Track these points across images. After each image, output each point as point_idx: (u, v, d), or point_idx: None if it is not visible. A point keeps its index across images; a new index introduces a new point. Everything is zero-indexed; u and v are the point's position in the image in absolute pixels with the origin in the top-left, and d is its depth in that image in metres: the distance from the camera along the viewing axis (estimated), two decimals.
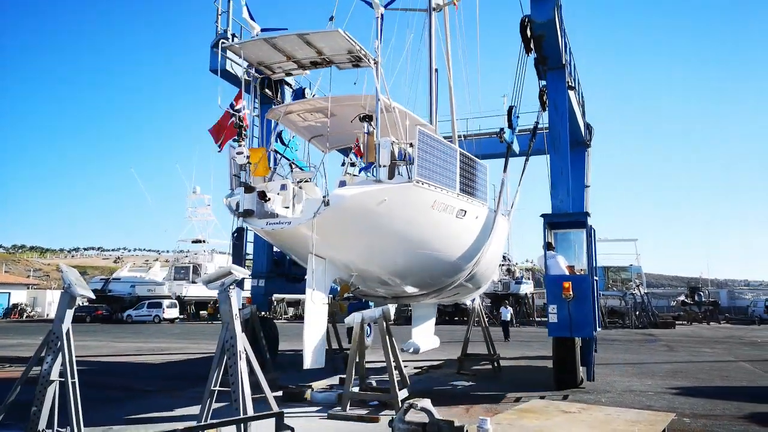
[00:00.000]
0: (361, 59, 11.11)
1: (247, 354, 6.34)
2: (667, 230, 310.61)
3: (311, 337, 9.45)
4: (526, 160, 14.73)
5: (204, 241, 54.30)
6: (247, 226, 10.86)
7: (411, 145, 10.52)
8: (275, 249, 16.11)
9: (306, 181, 11.46)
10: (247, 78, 11.90)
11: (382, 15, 11.54)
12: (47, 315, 53.36)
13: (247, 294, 16.11)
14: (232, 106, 10.55)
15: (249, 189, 10.12)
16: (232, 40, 14.26)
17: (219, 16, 14.55)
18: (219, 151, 10.76)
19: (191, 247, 56.48)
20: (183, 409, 9.78)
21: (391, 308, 10.20)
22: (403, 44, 15.12)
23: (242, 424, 5.23)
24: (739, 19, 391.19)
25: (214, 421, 4.31)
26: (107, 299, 49.06)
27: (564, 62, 13.45)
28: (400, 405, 7.90)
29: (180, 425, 3.73)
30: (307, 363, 9.24)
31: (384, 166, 10.10)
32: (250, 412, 5.65)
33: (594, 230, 13.30)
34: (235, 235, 13.43)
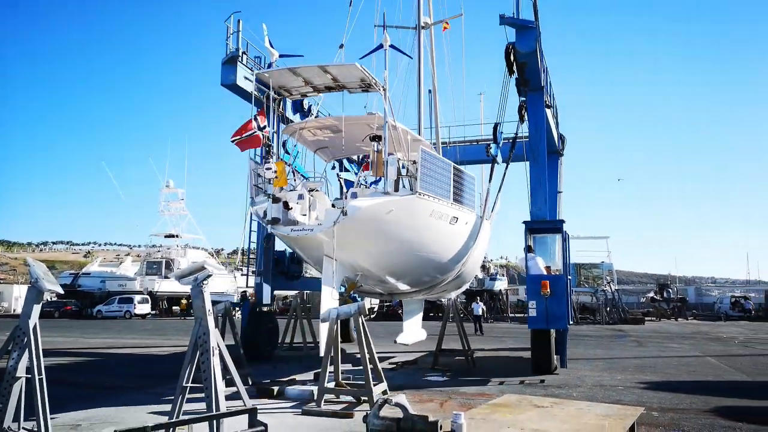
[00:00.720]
0: (371, 86, 12.82)
1: (220, 350, 6.27)
2: (638, 229, 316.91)
3: (324, 334, 10.40)
4: (506, 168, 15.62)
5: (177, 236, 53.59)
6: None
7: (414, 162, 11.97)
8: (277, 249, 17.56)
9: (315, 190, 12.81)
10: (257, 94, 13.49)
11: (390, 46, 12.96)
12: (14, 310, 52.05)
13: (251, 290, 17.48)
14: (256, 119, 12.52)
15: (276, 200, 11.63)
16: (242, 58, 15.91)
17: (231, 36, 15.97)
18: (241, 151, 12.73)
19: (164, 242, 55.69)
20: (155, 405, 9.64)
21: (367, 303, 10.20)
22: (395, 59, 16.58)
23: (215, 421, 5.18)
24: (695, 18, 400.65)
25: (186, 417, 4.25)
26: (77, 294, 48.07)
27: (542, 84, 14.99)
28: (375, 400, 7.92)
29: (151, 422, 3.66)
30: (323, 351, 10.23)
31: (391, 180, 11.40)
32: (223, 409, 5.60)
33: (568, 235, 15.06)
34: (265, 240, 14.54)
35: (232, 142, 12.63)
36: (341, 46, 16.11)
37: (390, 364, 14.81)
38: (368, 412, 3.69)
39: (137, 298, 44.96)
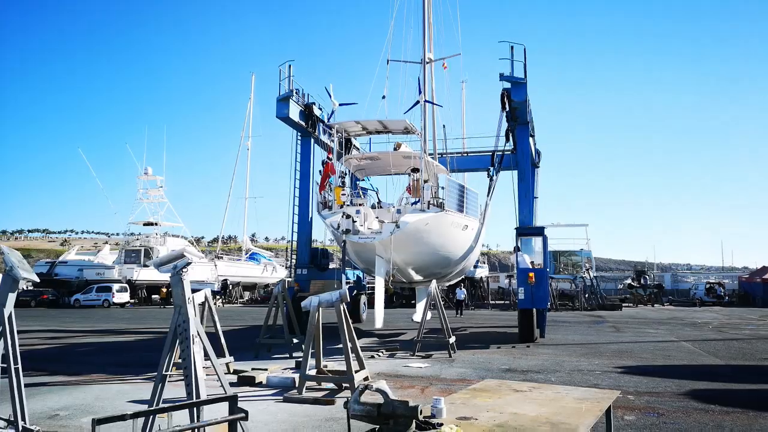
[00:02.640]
0: (410, 131, 18.65)
1: (200, 338, 6.23)
2: (617, 217, 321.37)
3: (380, 307, 15.28)
4: (495, 181, 20.27)
5: (156, 224, 52.98)
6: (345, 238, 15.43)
7: (443, 188, 17.09)
8: (312, 246, 22.10)
9: (361, 204, 17.08)
10: (306, 127, 20.46)
11: (426, 101, 19.77)
12: None
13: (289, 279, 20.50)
14: (330, 160, 17.69)
15: (348, 216, 15.46)
16: (293, 93, 19.73)
17: (286, 79, 19.89)
18: (320, 192, 17.54)
19: (143, 230, 55.13)
20: (134, 394, 9.58)
21: (347, 292, 10.25)
22: (409, 90, 23.60)
23: (194, 409, 5.15)
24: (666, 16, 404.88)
25: (165, 405, 4.22)
26: (53, 283, 47.34)
27: (528, 120, 19.62)
28: (356, 387, 7.96)
29: (130, 410, 3.63)
30: (378, 323, 15.20)
31: (426, 201, 16.50)
32: (204, 397, 5.57)
33: (546, 237, 19.36)
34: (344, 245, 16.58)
35: (321, 185, 17.59)
36: (383, 97, 21.99)
37: (370, 351, 14.88)
38: (349, 398, 3.70)
39: (116, 286, 44.39)
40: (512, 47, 18.08)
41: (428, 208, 16.28)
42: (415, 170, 17.82)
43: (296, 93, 20.06)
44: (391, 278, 16.75)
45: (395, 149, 19.71)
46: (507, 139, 20.09)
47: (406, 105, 21.50)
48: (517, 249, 18.37)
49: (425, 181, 17.29)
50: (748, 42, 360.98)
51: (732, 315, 32.27)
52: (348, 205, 16.53)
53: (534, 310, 17.39)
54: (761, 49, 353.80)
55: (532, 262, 17.98)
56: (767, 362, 13.68)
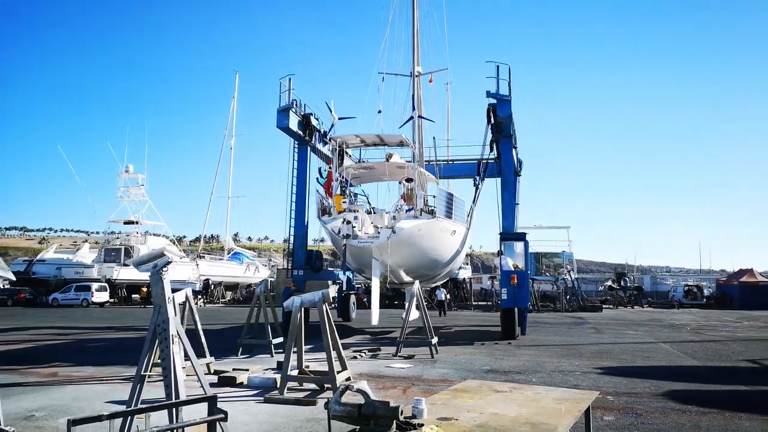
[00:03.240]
0: (405, 144, 20.70)
1: (180, 338, 6.16)
2: (598, 219, 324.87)
3: (375, 306, 16.43)
4: (480, 189, 22.63)
5: (137, 223, 52.33)
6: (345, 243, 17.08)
7: (433, 196, 19.48)
8: (308, 248, 23.18)
9: (356, 211, 18.07)
10: (303, 137, 21.95)
11: (419, 117, 22.19)
12: None
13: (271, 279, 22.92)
14: (330, 172, 19.99)
15: (347, 222, 17.06)
16: (292, 105, 20.99)
17: (287, 91, 21.19)
18: (330, 199, 19.13)
19: (123, 229, 54.40)
20: (112, 395, 9.45)
21: (331, 291, 10.21)
22: (399, 99, 25.07)
23: (173, 409, 5.10)
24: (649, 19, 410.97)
25: (143, 406, 4.17)
26: (31, 282, 46.56)
27: (512, 132, 21.22)
28: (338, 388, 7.93)
29: (107, 411, 3.58)
30: (374, 321, 16.07)
31: (419, 209, 18.21)
32: (183, 398, 5.51)
33: (527, 242, 20.89)
34: (344, 248, 17.89)
35: (326, 193, 19.34)
36: (379, 112, 24.50)
37: (354, 352, 14.86)
38: (330, 398, 3.69)
39: (95, 285, 43.74)
40: (498, 66, 19.65)
41: (421, 214, 17.99)
42: (409, 180, 19.59)
43: (295, 104, 21.27)
44: (387, 279, 18.28)
45: (387, 159, 21.10)
46: (491, 149, 21.90)
47: (397, 115, 24.27)
48: (500, 252, 19.88)
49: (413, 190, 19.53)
50: (729, 44, 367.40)
51: (709, 317, 32.78)
52: (347, 212, 17.91)
53: (515, 309, 18.76)
54: (741, 52, 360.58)
55: (515, 265, 19.21)
56: (743, 364, 13.92)
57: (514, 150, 21.78)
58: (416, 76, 24.65)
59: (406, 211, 18.66)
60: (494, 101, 19.59)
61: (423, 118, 24.05)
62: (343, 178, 20.40)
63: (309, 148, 22.57)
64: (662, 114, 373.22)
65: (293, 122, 21.12)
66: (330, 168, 20.08)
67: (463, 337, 19.88)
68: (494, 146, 21.76)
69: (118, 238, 52.75)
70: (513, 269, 18.91)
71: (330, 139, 21.33)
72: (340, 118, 22.13)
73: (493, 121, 20.07)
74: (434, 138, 25.09)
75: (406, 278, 19.31)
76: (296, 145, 22.48)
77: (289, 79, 21.44)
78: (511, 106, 19.66)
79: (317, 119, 22.53)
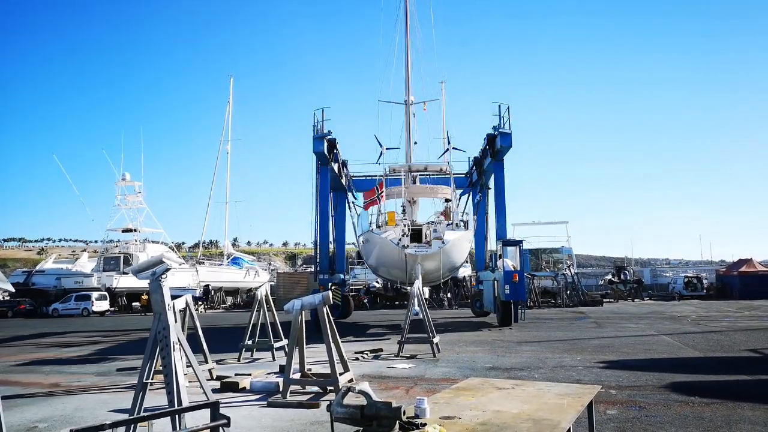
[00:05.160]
0: (444, 172, 26.34)
1: (181, 344, 6.16)
2: (597, 213, 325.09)
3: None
4: (465, 202, 27.92)
5: (135, 230, 52.25)
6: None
7: (466, 213, 25.65)
8: (329, 254, 27.41)
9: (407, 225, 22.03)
10: (328, 158, 25.28)
11: (453, 148, 27.06)
12: None
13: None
14: (377, 188, 23.86)
15: (405, 234, 20.92)
16: (329, 133, 24.42)
17: (321, 122, 24.40)
18: (365, 209, 24.85)
19: (122, 237, 54.31)
20: (115, 404, 9.44)
21: (331, 294, 10.22)
22: (396, 123, 30.25)
23: (176, 416, 5.09)
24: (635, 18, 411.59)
25: (146, 414, 4.16)
26: (31, 293, 46.41)
27: (504, 157, 24.84)
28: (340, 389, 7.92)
29: (110, 420, 3.57)
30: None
31: (454, 224, 23.14)
32: (186, 404, 5.51)
33: (523, 246, 24.45)
34: (405, 257, 21.01)
35: (364, 203, 24.00)
36: (415, 143, 30.76)
37: (355, 353, 14.86)
38: (332, 401, 3.69)
39: (95, 294, 43.64)
40: (500, 106, 24.15)
41: (456, 227, 22.94)
42: (448, 200, 24.61)
43: (323, 130, 24.69)
44: (397, 281, 23.67)
45: (390, 172, 26.63)
46: (481, 166, 27.15)
47: (395, 134, 28.78)
48: (501, 255, 22.63)
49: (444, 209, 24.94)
50: (729, 37, 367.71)
51: (710, 308, 32.82)
52: (402, 226, 21.53)
53: (511, 302, 22.38)
54: (739, 46, 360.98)
55: (513, 266, 22.08)
56: (745, 353, 13.94)
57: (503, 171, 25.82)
58: (411, 104, 30.37)
59: (447, 225, 22.85)
60: (495, 133, 23.87)
61: (456, 149, 28.67)
62: (389, 198, 25.07)
63: (328, 168, 25.83)
64: (662, 104, 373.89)
65: (323, 146, 24.45)
66: (380, 189, 24.22)
67: (468, 325, 23.28)
68: (480, 164, 26.62)
69: (116, 246, 52.67)
70: (513, 269, 21.82)
71: (382, 165, 27.02)
72: (387, 149, 26.98)
73: (492, 146, 24.34)
74: (450, 164, 29.75)
75: (432, 278, 23.57)
76: (319, 164, 25.62)
77: (323, 110, 24.77)
78: (511, 138, 23.64)
79: (336, 143, 25.84)
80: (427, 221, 24.08)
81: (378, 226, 22.93)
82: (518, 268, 22.25)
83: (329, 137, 24.62)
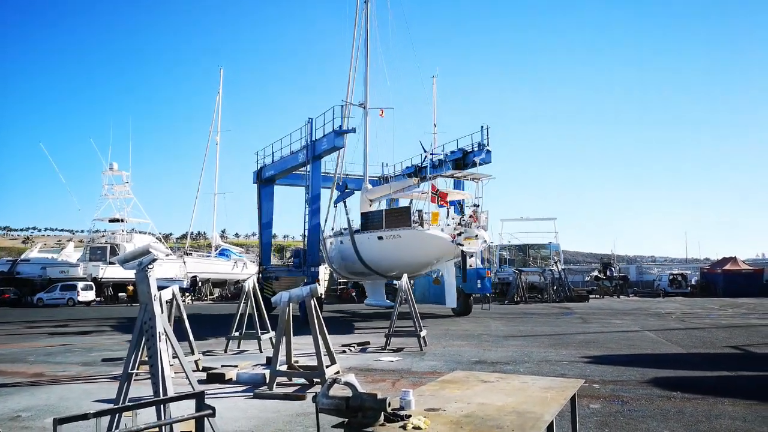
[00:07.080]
0: (476, 179, 25.30)
1: (167, 335, 6.13)
2: (584, 210, 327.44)
3: (453, 291, 23.17)
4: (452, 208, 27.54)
5: (122, 220, 51.79)
6: None
7: (474, 205, 25.47)
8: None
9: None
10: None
11: (432, 154, 27.99)
12: None
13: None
14: (436, 192, 24.30)
15: (460, 233, 22.36)
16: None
17: (337, 117, 25.12)
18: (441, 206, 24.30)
19: (108, 227, 53.79)
20: (100, 393, 9.40)
21: (319, 287, 10.23)
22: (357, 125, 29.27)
23: (161, 406, 5.09)
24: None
25: (130, 403, 4.15)
26: (15, 282, 45.90)
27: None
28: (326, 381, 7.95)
29: (95, 410, 3.56)
30: (451, 304, 24.08)
31: (482, 225, 23.59)
32: (171, 394, 5.49)
33: (483, 255, 29.84)
34: (462, 252, 22.75)
35: (441, 202, 24.15)
36: (431, 153, 29.73)
37: (342, 346, 14.89)
38: (317, 392, 3.71)
39: (81, 284, 43.23)
40: (482, 126, 27.78)
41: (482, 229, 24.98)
42: (476, 205, 25.54)
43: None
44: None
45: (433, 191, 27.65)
46: (454, 177, 28.71)
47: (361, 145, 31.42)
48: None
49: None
50: (710, 29, 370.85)
51: (694, 305, 33.23)
52: (453, 225, 23.13)
53: (472, 295, 26.85)
54: (729, 44, 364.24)
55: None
56: (727, 350, 14.15)
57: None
58: (369, 108, 31.43)
59: (477, 227, 24.78)
60: (470, 150, 28.30)
61: (433, 153, 30.23)
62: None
63: (319, 163, 27.00)
64: (647, 101, 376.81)
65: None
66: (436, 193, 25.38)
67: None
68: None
69: (103, 236, 52.19)
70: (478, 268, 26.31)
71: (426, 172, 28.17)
72: (431, 153, 28.69)
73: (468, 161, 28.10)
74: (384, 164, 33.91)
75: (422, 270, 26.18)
76: (311, 160, 26.29)
77: (342, 107, 26.38)
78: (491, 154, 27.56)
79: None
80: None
81: (421, 225, 23.78)
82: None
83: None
